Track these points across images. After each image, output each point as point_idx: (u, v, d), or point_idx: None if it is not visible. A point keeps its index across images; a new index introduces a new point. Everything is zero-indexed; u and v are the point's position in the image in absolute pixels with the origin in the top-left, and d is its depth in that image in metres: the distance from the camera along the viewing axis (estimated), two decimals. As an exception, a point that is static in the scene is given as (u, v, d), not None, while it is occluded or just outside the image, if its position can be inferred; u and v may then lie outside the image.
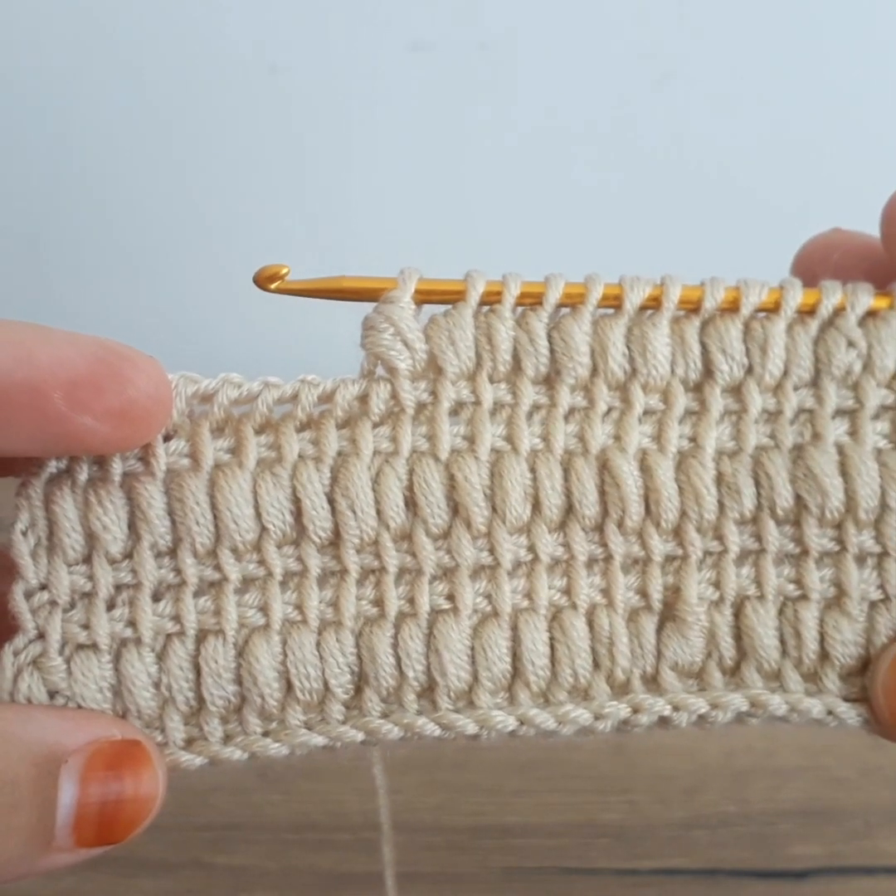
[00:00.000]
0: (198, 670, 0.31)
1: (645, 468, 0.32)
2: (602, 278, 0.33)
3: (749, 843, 0.55)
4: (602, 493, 0.32)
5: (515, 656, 0.32)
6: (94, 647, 0.31)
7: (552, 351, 0.32)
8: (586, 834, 0.56)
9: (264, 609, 0.32)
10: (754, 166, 0.78)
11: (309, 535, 0.31)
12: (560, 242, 0.81)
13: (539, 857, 0.55)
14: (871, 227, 0.35)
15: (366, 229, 0.81)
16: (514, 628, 0.32)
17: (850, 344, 0.33)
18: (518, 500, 0.32)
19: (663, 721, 0.33)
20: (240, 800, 0.57)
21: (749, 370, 0.33)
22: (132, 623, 0.31)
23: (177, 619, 0.31)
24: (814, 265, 0.35)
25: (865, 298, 0.33)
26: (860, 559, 0.33)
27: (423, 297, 0.33)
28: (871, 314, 0.33)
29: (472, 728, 0.32)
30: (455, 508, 0.32)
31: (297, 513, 0.31)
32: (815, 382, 0.33)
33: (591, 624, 0.32)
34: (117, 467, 0.31)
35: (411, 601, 0.32)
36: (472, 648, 0.32)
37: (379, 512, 0.32)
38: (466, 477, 0.32)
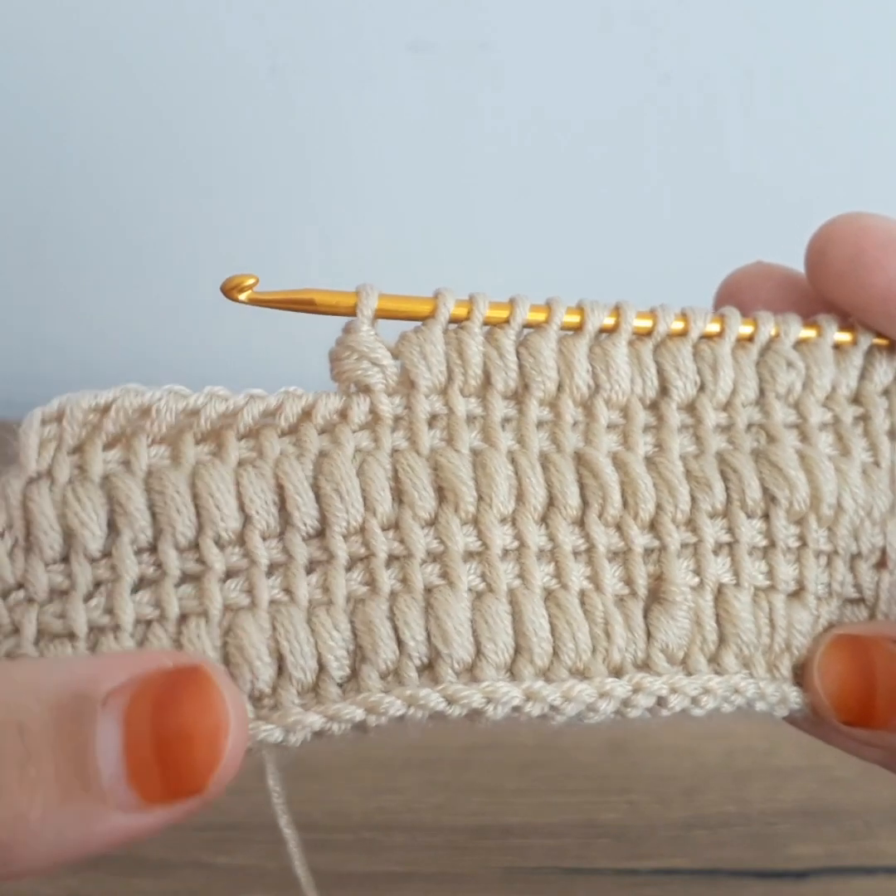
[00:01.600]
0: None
1: (619, 464, 0.34)
2: (564, 301, 0.34)
3: (749, 843, 0.55)
4: (581, 487, 0.33)
5: (517, 632, 0.32)
6: (70, 635, 0.30)
7: (520, 366, 0.34)
8: (586, 834, 0.56)
9: (250, 591, 0.31)
10: (761, 164, 0.78)
11: (295, 523, 0.31)
12: (563, 242, 0.81)
13: (539, 857, 0.55)
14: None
15: (365, 229, 0.81)
16: (513, 603, 0.32)
17: (790, 364, 0.35)
18: (503, 488, 0.32)
19: (660, 703, 0.33)
20: (240, 800, 0.56)
21: (701, 388, 0.35)
22: (110, 610, 0.30)
23: (157, 604, 0.31)
24: (742, 296, 0.38)
25: (796, 327, 0.36)
26: (817, 556, 0.35)
27: (389, 315, 0.33)
28: (802, 342, 0.36)
29: (478, 700, 0.31)
30: (441, 496, 0.32)
31: (281, 503, 0.31)
32: (760, 400, 0.35)
33: (584, 606, 0.33)
34: (97, 468, 0.31)
35: (403, 580, 0.32)
36: (474, 621, 0.31)
37: (365, 497, 0.32)
38: (450, 460, 0.32)
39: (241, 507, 0.31)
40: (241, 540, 0.31)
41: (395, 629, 0.31)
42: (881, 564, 0.36)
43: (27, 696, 0.24)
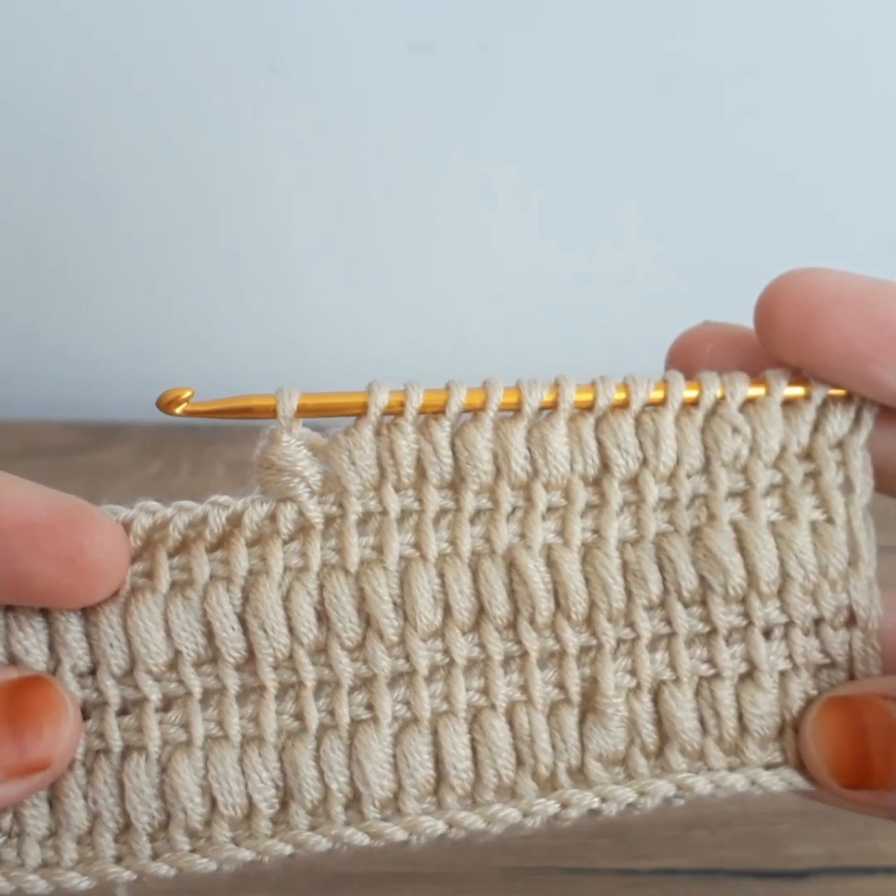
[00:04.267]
0: (123, 787, 0.32)
1: (551, 563, 0.33)
2: (501, 383, 0.33)
3: (749, 843, 0.55)
4: (511, 591, 0.33)
5: (438, 760, 0.33)
6: None
7: (456, 459, 0.33)
8: (586, 834, 0.56)
9: (186, 726, 0.33)
10: (767, 166, 0.78)
11: (223, 656, 0.32)
12: (563, 241, 0.81)
13: (539, 857, 0.55)
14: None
15: (365, 228, 0.81)
16: (435, 733, 0.33)
17: (735, 430, 0.34)
18: (427, 608, 0.33)
19: (593, 812, 0.34)
20: (240, 800, 0.56)
21: (644, 462, 0.34)
22: None
23: (102, 736, 0.33)
24: (690, 358, 0.37)
25: (743, 387, 0.34)
26: (767, 631, 0.35)
27: (318, 413, 0.33)
28: (750, 401, 0.35)
29: (400, 835, 0.33)
30: (367, 620, 0.33)
31: (210, 634, 0.33)
32: (706, 469, 0.35)
33: (511, 722, 0.33)
34: None
35: (331, 713, 0.33)
36: (395, 756, 0.33)
37: (291, 629, 0.33)
38: (375, 590, 0.32)
39: (170, 641, 0.32)
40: (174, 668, 0.33)
41: (320, 772, 0.33)
42: (850, 623, 0.35)
43: None
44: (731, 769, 0.34)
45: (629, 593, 0.34)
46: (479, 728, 0.33)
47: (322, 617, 0.33)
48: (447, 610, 0.33)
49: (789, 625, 0.35)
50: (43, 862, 0.33)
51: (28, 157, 0.77)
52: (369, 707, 0.33)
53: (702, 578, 0.34)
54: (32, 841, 0.32)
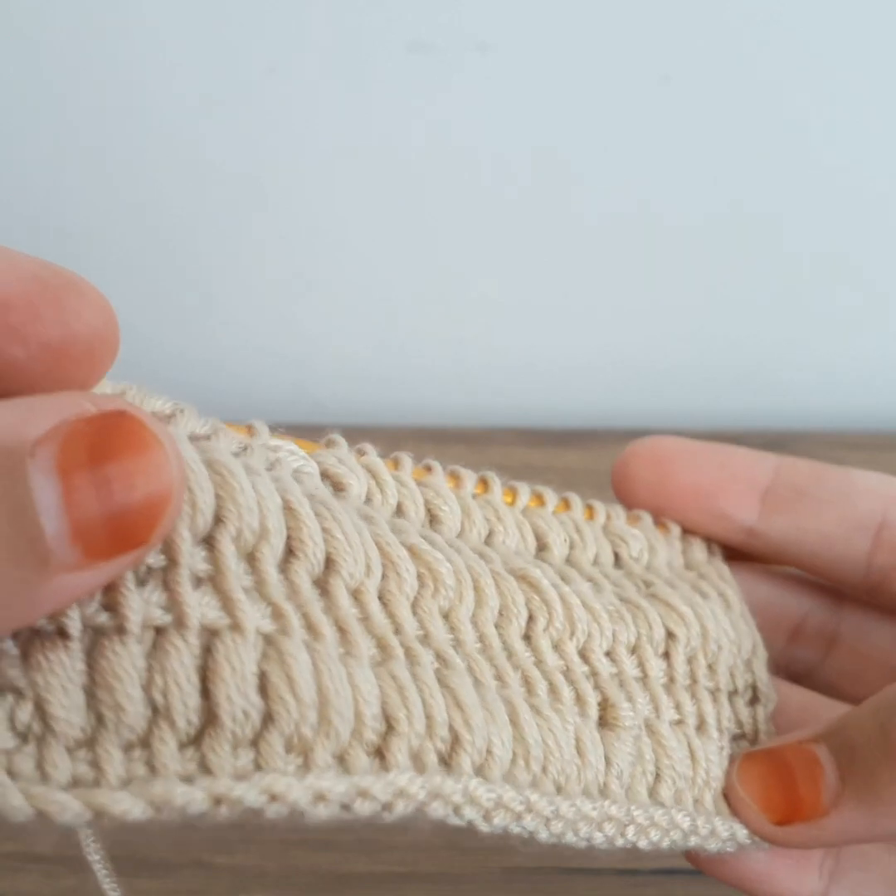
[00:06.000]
0: (205, 672, 0.23)
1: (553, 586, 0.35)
2: (440, 467, 0.35)
3: (749, 843, 0.55)
4: (528, 602, 0.33)
5: (516, 737, 0.29)
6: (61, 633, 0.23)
7: (425, 499, 0.34)
8: (586, 834, 0.56)
9: (276, 618, 0.25)
10: (767, 169, 0.78)
11: (304, 548, 0.26)
12: (563, 243, 0.81)
13: (539, 857, 0.55)
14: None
15: (364, 228, 0.81)
16: (506, 702, 0.29)
17: (633, 536, 0.38)
18: (470, 586, 0.31)
19: (621, 831, 0.31)
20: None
21: (572, 545, 0.37)
22: (109, 606, 0.23)
23: (171, 606, 0.23)
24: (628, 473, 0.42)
25: (622, 511, 0.39)
26: (708, 693, 0.36)
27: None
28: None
29: (488, 799, 0.27)
30: (421, 581, 0.30)
31: (290, 524, 0.27)
32: (618, 562, 0.38)
33: (560, 721, 0.31)
34: None
35: (408, 654, 0.28)
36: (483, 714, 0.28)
37: (366, 552, 0.28)
38: (424, 546, 0.30)
39: (260, 511, 0.25)
40: (252, 557, 0.25)
41: (423, 702, 0.26)
42: (754, 700, 0.38)
43: None
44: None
45: (614, 631, 0.34)
46: (538, 713, 0.30)
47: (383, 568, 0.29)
48: (479, 601, 0.31)
49: (716, 691, 0.37)
50: (73, 778, 0.22)
51: (28, 159, 0.77)
52: (440, 658, 0.28)
53: (665, 627, 0.36)
54: (59, 746, 0.22)
